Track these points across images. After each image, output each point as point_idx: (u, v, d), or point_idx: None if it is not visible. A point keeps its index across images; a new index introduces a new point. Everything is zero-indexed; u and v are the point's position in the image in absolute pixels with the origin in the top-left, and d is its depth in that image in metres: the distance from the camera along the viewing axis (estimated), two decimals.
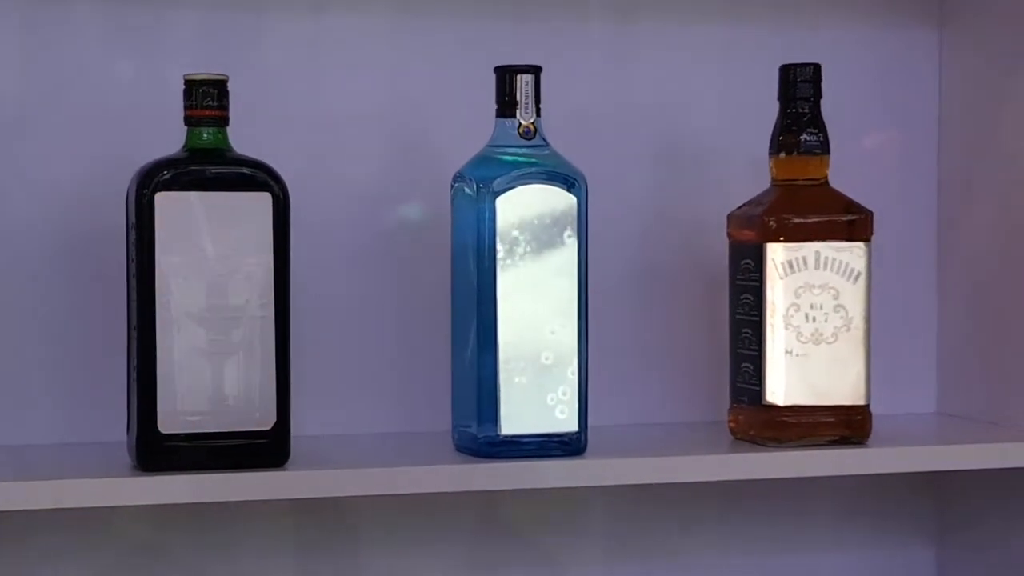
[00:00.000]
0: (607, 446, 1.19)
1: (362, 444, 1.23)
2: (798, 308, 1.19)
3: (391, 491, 1.14)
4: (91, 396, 1.21)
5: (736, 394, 1.23)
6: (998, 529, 1.33)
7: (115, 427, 1.13)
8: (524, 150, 1.16)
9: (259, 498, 1.12)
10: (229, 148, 1.12)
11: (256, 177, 1.10)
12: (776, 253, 1.19)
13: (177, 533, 1.25)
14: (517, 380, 1.15)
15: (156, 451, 1.09)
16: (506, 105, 1.16)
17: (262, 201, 1.10)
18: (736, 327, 1.23)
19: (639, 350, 1.33)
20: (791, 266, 1.20)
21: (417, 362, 1.27)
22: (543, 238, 1.15)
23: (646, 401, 1.33)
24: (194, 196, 1.08)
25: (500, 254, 1.14)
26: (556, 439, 1.16)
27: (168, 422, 1.08)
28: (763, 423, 1.20)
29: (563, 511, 1.32)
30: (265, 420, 1.10)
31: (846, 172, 1.24)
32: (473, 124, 1.18)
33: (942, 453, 1.23)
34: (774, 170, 1.22)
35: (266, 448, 1.10)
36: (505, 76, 1.16)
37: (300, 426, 1.13)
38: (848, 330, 1.20)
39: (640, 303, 1.33)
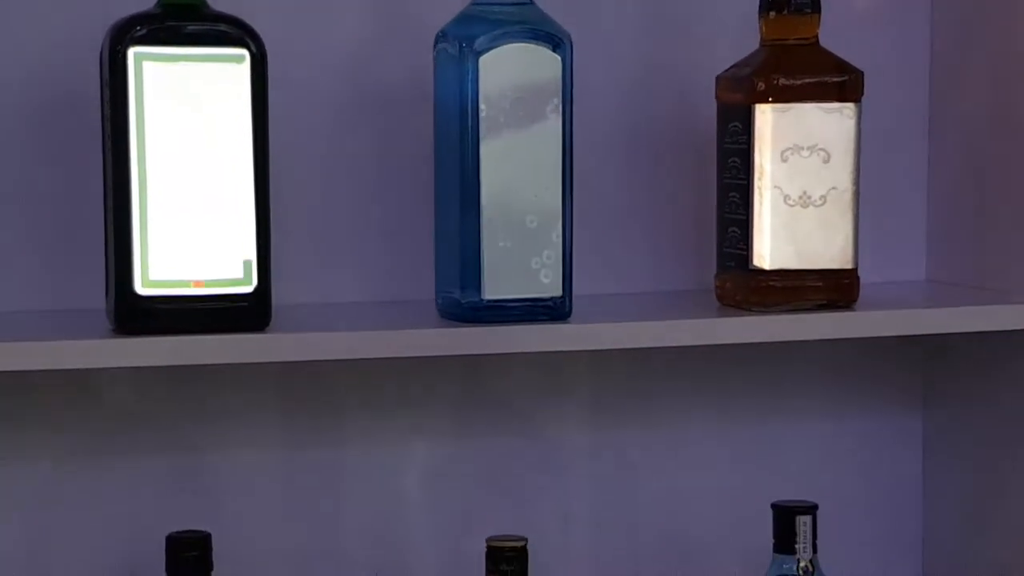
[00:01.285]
0: (592, 312, 1.18)
1: (345, 311, 1.22)
2: (786, 171, 1.18)
3: (374, 355, 1.13)
4: (71, 263, 1.19)
5: (723, 259, 1.22)
6: (983, 395, 1.32)
7: (96, 295, 1.12)
8: (509, 8, 1.14)
9: (240, 361, 1.10)
10: (205, 5, 1.09)
11: (233, 34, 1.08)
12: (764, 114, 1.17)
13: (158, 400, 1.24)
14: (500, 244, 1.13)
15: (134, 313, 1.07)
16: None
17: (239, 58, 1.07)
18: (723, 191, 1.21)
19: (624, 217, 1.31)
20: (779, 128, 1.17)
21: (400, 229, 1.26)
22: (527, 99, 1.13)
23: (631, 269, 1.32)
24: (169, 52, 1.06)
25: (483, 116, 1.12)
26: (540, 304, 1.14)
27: (145, 284, 1.07)
28: (749, 288, 1.19)
29: (547, 378, 1.31)
30: (245, 283, 1.09)
31: (838, 33, 1.22)
32: None
33: (929, 317, 1.22)
34: (763, 30, 1.20)
35: (247, 311, 1.09)
36: None
37: (281, 295, 1.12)
38: (837, 193, 1.18)
39: (626, 168, 1.31)
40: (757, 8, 1.20)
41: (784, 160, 1.17)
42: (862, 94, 1.19)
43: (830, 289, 1.20)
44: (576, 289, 1.16)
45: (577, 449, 1.33)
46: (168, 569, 1.11)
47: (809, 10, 1.19)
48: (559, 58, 1.13)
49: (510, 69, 1.13)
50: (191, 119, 1.07)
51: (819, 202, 1.18)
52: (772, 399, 1.37)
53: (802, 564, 1.20)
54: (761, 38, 1.21)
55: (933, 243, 1.37)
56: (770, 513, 1.21)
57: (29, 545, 1.22)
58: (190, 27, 1.07)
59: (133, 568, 1.20)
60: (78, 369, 1.16)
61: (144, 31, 1.06)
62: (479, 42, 1.12)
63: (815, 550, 1.21)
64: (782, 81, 1.17)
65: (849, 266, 1.20)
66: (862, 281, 1.22)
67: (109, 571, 1.23)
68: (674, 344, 1.18)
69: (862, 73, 1.20)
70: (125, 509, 1.23)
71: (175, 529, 1.14)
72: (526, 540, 1.17)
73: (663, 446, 1.34)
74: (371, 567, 1.28)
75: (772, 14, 1.19)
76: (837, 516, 1.29)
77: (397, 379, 1.28)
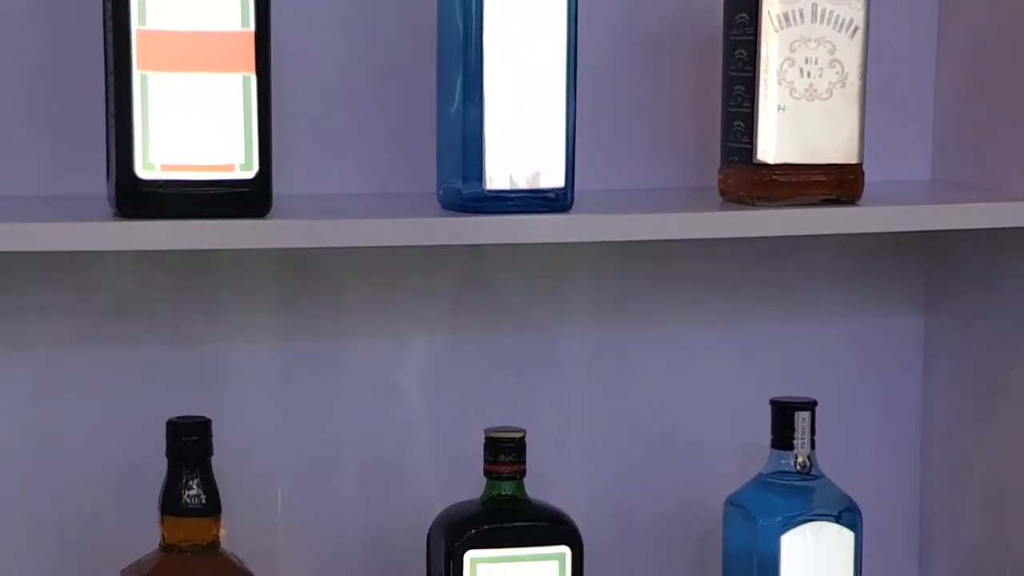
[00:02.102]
0: (594, 206, 1.17)
1: (345, 202, 1.21)
2: (792, 63, 1.16)
3: (374, 243, 1.12)
4: (74, 149, 1.18)
5: (727, 154, 1.21)
6: (985, 296, 1.32)
7: (98, 184, 1.11)
8: None
9: (240, 247, 1.10)
10: None
11: None
12: (772, 5, 1.16)
13: (158, 289, 1.24)
14: (503, 135, 1.12)
15: (135, 196, 1.06)
16: None
17: None
18: (729, 84, 1.20)
19: (627, 113, 1.30)
20: (787, 19, 1.16)
21: (402, 121, 1.25)
22: None
23: (633, 166, 1.31)
24: None
25: (487, 4, 1.11)
26: (542, 195, 1.14)
27: (146, 167, 1.06)
28: (753, 183, 1.18)
29: (549, 274, 1.31)
30: (246, 168, 1.08)
31: None
32: None
33: (934, 213, 1.21)
34: None
35: (247, 197, 1.08)
36: None
37: (281, 185, 1.10)
38: (843, 86, 1.17)
39: (630, 63, 1.30)
40: None
41: (791, 52, 1.16)
42: None
43: (834, 184, 1.19)
44: (578, 185, 1.15)
45: (576, 344, 1.33)
46: (168, 454, 1.11)
47: None
48: None
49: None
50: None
51: (825, 95, 1.17)
52: (773, 298, 1.36)
53: (799, 460, 1.21)
54: None
55: (939, 143, 1.36)
56: (769, 411, 1.22)
57: (29, 432, 1.22)
58: None
59: (133, 454, 1.22)
60: (78, 255, 1.16)
61: None
62: None
63: (813, 446, 1.21)
64: None
65: (854, 161, 1.19)
66: (867, 181, 1.22)
67: (109, 458, 1.23)
68: (675, 237, 1.17)
69: None
70: (124, 397, 1.23)
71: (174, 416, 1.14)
72: (524, 432, 1.18)
73: (662, 343, 1.34)
74: (368, 459, 1.29)
75: None
76: (836, 414, 1.29)
77: (397, 272, 1.27)
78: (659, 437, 1.35)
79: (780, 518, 1.19)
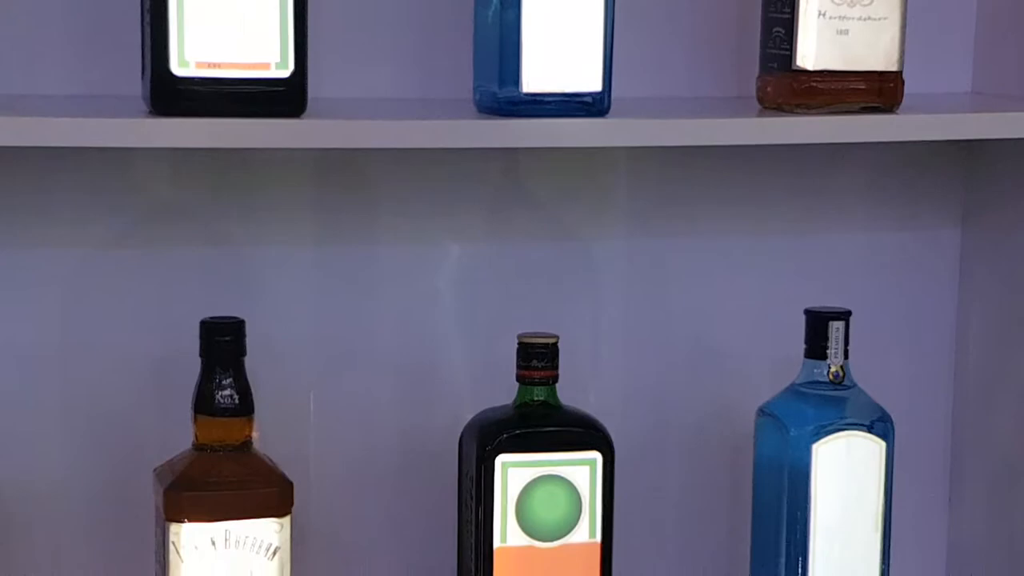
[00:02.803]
0: (631, 111, 1.16)
1: (381, 105, 1.21)
2: None
3: (409, 144, 1.12)
4: (109, 48, 1.17)
5: (765, 61, 1.20)
6: (1022, 214, 1.31)
7: (134, 83, 1.11)
8: None
9: (273, 146, 1.10)
10: None
11: None
12: None
13: (194, 190, 1.24)
14: (541, 37, 1.11)
15: (169, 93, 1.06)
16: None
17: None
18: None
19: (666, 18, 1.29)
20: None
21: (440, 25, 1.24)
22: None
23: (672, 73, 1.30)
24: None
25: None
26: (579, 99, 1.13)
27: (181, 64, 1.05)
28: (792, 90, 1.17)
29: (585, 180, 1.30)
30: (282, 67, 1.07)
31: None
32: None
33: (974, 122, 1.20)
34: None
35: (283, 96, 1.07)
36: None
37: (317, 89, 1.10)
38: None
39: None
40: None
41: None
42: None
43: (873, 92, 1.18)
44: (615, 92, 1.14)
45: (611, 252, 1.32)
46: (202, 354, 1.12)
47: None
48: None
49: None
50: None
51: (867, 1, 1.16)
52: (810, 209, 1.35)
53: (832, 370, 1.20)
54: None
55: (980, 55, 1.35)
56: (803, 321, 1.22)
57: (64, 332, 1.22)
58: None
59: (167, 354, 1.22)
60: (113, 155, 1.17)
61: None
62: None
63: (846, 356, 1.21)
64: None
65: (894, 68, 1.18)
66: (906, 93, 1.20)
67: (144, 358, 1.24)
68: (713, 143, 1.17)
69: None
70: (159, 298, 1.24)
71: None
72: (557, 337, 1.18)
73: (698, 251, 1.33)
74: (401, 363, 1.29)
75: None
76: (870, 325, 1.29)
77: (433, 178, 1.27)
78: (693, 346, 1.35)
79: (812, 427, 1.19)
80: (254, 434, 1.14)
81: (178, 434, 1.13)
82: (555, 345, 1.17)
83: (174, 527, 1.09)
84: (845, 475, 1.19)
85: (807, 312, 1.22)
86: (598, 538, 1.16)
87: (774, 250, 1.35)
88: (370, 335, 1.29)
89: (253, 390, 1.12)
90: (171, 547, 1.09)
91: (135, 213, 1.23)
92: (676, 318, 1.34)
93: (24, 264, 1.21)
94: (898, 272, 1.38)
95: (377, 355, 1.29)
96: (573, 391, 1.19)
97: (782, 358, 1.26)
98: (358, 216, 1.27)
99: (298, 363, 1.27)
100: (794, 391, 1.22)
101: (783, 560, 1.20)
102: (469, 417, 1.19)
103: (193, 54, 1.06)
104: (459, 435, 1.19)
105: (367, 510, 1.29)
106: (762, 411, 1.23)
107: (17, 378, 1.22)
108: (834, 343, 1.20)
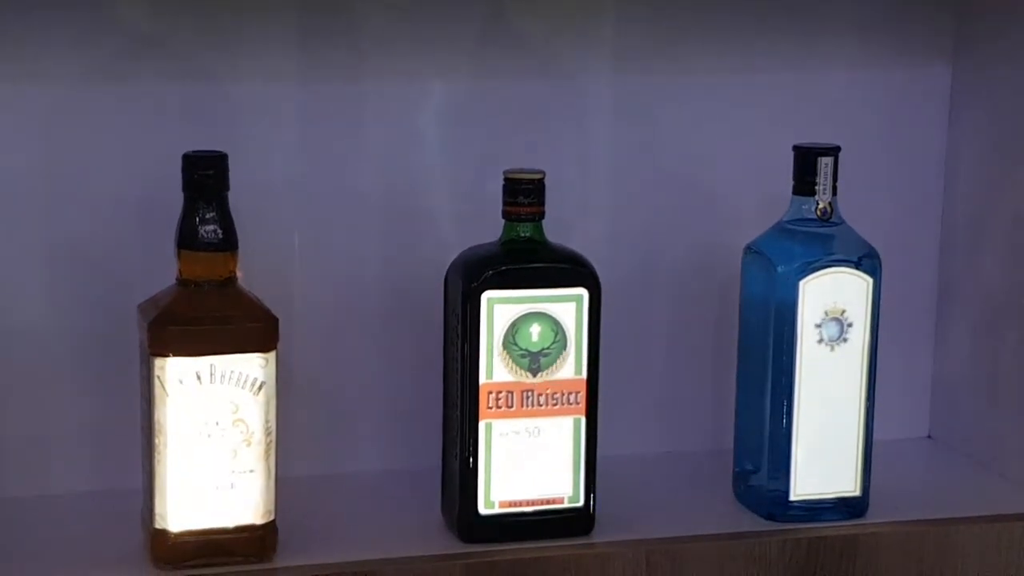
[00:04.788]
0: None
1: None
2: None
3: None
4: None
5: None
6: (1014, 47, 1.29)
7: None
8: None
9: None
10: None
11: None
12: None
13: (175, 25, 1.22)
14: None
15: None
16: None
17: None
18: None
19: None
20: None
21: None
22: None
23: None
24: None
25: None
26: None
27: None
28: None
29: (572, 18, 1.28)
30: None
31: None
32: None
33: None
34: None
35: None
36: None
37: None
38: None
39: None
40: None
41: None
42: None
43: None
44: None
45: (598, 90, 1.31)
46: (185, 188, 1.10)
47: None
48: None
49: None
50: None
51: None
52: (799, 47, 1.34)
53: (820, 206, 1.19)
54: None
55: None
56: (791, 160, 1.21)
57: (47, 167, 1.21)
58: None
59: (150, 190, 1.21)
60: None
61: None
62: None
63: (835, 193, 1.20)
64: None
65: None
66: None
67: (126, 194, 1.22)
68: None
69: None
70: (140, 133, 1.22)
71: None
72: (543, 173, 1.16)
73: (686, 89, 1.32)
74: (386, 202, 1.28)
75: None
76: (859, 164, 1.28)
77: (418, 13, 1.25)
78: (681, 184, 1.34)
79: (798, 264, 1.18)
80: (238, 272, 1.13)
81: (161, 272, 1.12)
82: (541, 181, 1.16)
83: (159, 361, 1.08)
84: (831, 311, 1.20)
85: (795, 148, 1.20)
86: (584, 375, 1.16)
87: (762, 87, 1.33)
88: (355, 173, 1.28)
89: (237, 233, 1.12)
90: (156, 381, 1.08)
91: (112, 47, 1.21)
92: (664, 156, 1.33)
93: (1, 100, 1.19)
94: (888, 108, 1.37)
95: (362, 193, 1.28)
96: (559, 230, 1.18)
97: (769, 196, 1.24)
98: (342, 53, 1.25)
99: (282, 203, 1.26)
100: (781, 228, 1.21)
101: (768, 398, 1.20)
102: (454, 255, 1.18)
103: None
104: (443, 273, 1.18)
105: (353, 349, 1.29)
106: (749, 248, 1.22)
107: None
108: (823, 179, 1.18)
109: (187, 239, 1.10)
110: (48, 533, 1.17)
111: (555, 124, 1.31)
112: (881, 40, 1.36)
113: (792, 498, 1.20)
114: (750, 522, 1.22)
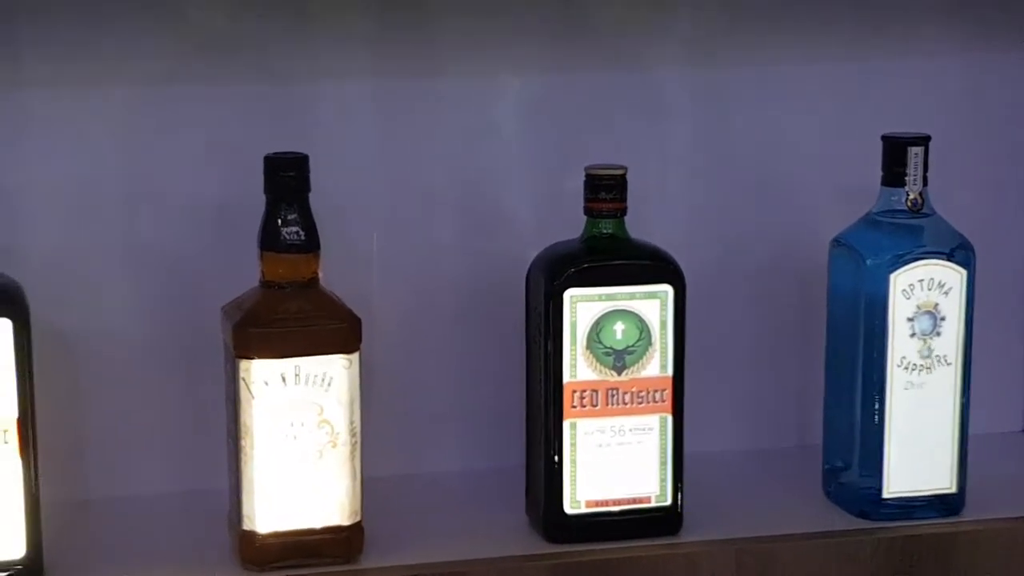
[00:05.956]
0: None
1: None
2: None
3: None
4: None
5: None
6: None
7: None
8: None
9: None
10: None
11: None
12: None
13: (250, 24, 1.21)
14: None
15: None
16: None
17: None
18: None
19: None
20: None
21: None
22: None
23: None
24: None
25: None
26: None
27: None
28: None
29: (648, 8, 1.27)
30: None
31: None
32: None
33: None
34: None
35: None
36: None
37: None
38: None
39: None
40: None
41: None
42: None
43: None
44: None
45: (677, 82, 1.29)
46: (267, 190, 1.10)
47: None
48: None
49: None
50: None
51: None
52: (883, 34, 1.31)
53: (911, 197, 1.17)
54: None
55: None
56: (874, 151, 1.18)
57: (129, 169, 1.21)
58: None
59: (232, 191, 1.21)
60: None
61: None
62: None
63: (925, 183, 1.18)
64: None
65: None
66: None
67: (208, 196, 1.22)
68: None
69: None
70: (221, 134, 1.22)
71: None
72: (625, 169, 1.15)
73: (767, 80, 1.30)
74: (464, 200, 1.27)
75: None
76: (948, 153, 1.24)
77: (494, 6, 1.24)
78: (764, 177, 1.32)
79: (889, 256, 1.16)
80: (320, 272, 1.13)
81: (243, 273, 1.12)
82: (623, 176, 1.14)
83: (244, 363, 1.08)
84: (924, 304, 1.18)
85: (884, 138, 1.18)
86: (669, 372, 1.14)
87: (845, 76, 1.31)
88: (432, 172, 1.27)
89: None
90: (241, 383, 1.08)
91: (193, 49, 1.21)
92: (745, 148, 1.31)
93: (79, 105, 1.20)
94: (975, 97, 1.34)
95: (440, 191, 1.27)
96: (638, 225, 1.17)
97: (853, 189, 1.23)
98: (419, 50, 1.24)
99: (359, 201, 1.25)
100: (870, 220, 1.19)
101: (859, 394, 1.18)
102: (533, 253, 1.17)
103: None
104: (523, 271, 1.17)
105: (433, 348, 1.29)
106: (837, 241, 1.20)
107: (79, 223, 1.21)
108: (913, 169, 1.16)
109: (270, 241, 1.10)
110: (135, 534, 1.18)
111: (632, 118, 1.29)
112: (966, 27, 1.33)
113: (885, 496, 1.18)
114: (842, 521, 1.20)
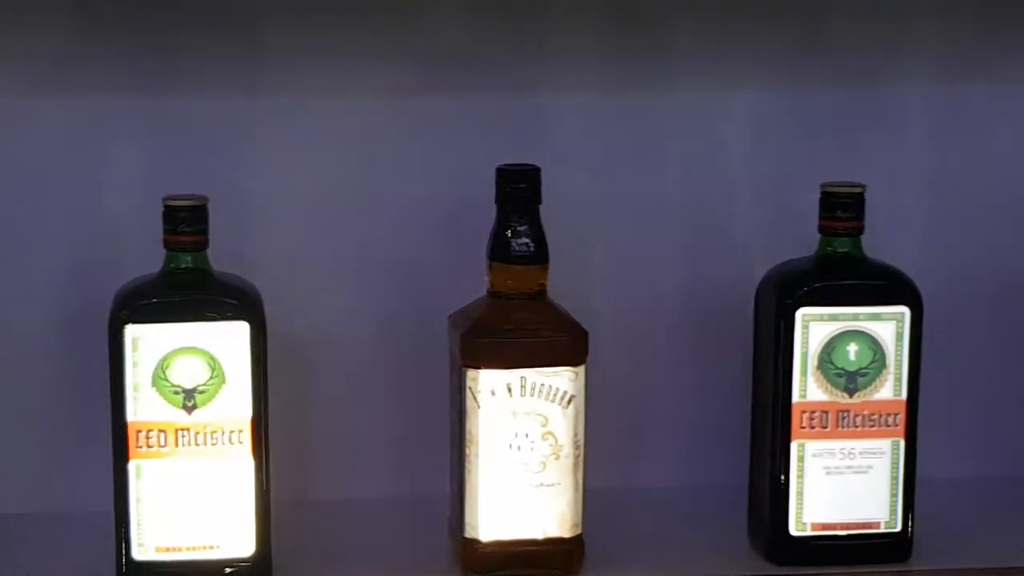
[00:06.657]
0: None
1: None
2: None
3: None
4: None
5: None
6: None
7: None
8: None
9: None
10: None
11: None
12: None
13: (485, 36, 1.22)
14: None
15: None
16: None
17: None
18: None
19: None
20: None
21: None
22: None
23: None
24: None
25: None
26: None
27: None
28: None
29: (891, 22, 1.24)
30: None
31: None
32: None
33: None
34: None
35: None
36: None
37: None
38: None
39: None
40: None
41: None
42: None
43: None
44: None
45: (917, 99, 1.26)
46: (497, 200, 1.10)
47: None
48: None
49: None
50: None
51: None
52: None
53: None
54: None
55: None
56: None
57: (360, 177, 1.23)
58: None
59: (462, 201, 1.22)
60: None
61: None
62: None
63: None
64: None
65: None
66: None
67: (438, 205, 1.23)
68: None
69: None
70: (453, 144, 1.23)
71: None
72: (864, 187, 1.12)
73: (1011, 99, 1.26)
74: (692, 215, 1.26)
75: None
76: None
77: (729, 23, 1.23)
78: (1005, 198, 1.28)
79: None
80: (546, 284, 1.13)
81: (469, 283, 1.12)
82: (861, 195, 1.12)
83: (471, 373, 1.08)
84: None
85: None
86: (904, 396, 1.11)
87: None
88: (659, 185, 1.26)
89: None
90: (468, 393, 1.09)
91: (424, 60, 1.22)
92: (983, 166, 1.27)
93: (317, 112, 1.21)
94: None
95: (667, 205, 1.26)
96: (871, 244, 1.14)
97: None
98: (649, 64, 1.23)
99: (585, 213, 1.24)
100: None
101: None
102: (760, 270, 1.15)
103: None
104: (751, 288, 1.15)
105: (657, 362, 1.27)
106: None
107: (314, 231, 1.23)
108: None
109: (499, 252, 1.10)
110: (356, 537, 1.19)
111: (866, 136, 1.26)
112: None
113: None
114: None
